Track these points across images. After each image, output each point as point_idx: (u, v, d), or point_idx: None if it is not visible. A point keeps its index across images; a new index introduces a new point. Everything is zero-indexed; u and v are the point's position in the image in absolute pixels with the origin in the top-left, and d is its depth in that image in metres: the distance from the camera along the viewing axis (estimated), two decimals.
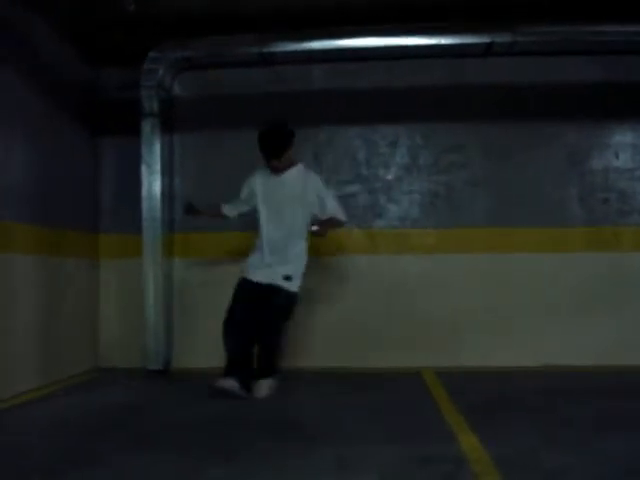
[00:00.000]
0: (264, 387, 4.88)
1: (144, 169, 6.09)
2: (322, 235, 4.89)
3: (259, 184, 5.01)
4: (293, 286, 4.89)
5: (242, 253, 6.19)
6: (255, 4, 5.67)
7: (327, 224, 4.91)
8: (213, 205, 5.41)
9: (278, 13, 5.81)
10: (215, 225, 6.31)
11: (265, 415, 4.37)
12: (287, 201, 4.88)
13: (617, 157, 6.20)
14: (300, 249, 4.95)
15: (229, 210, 5.30)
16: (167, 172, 6.24)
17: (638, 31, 5.70)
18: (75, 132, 6.13)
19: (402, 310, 6.18)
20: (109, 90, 6.54)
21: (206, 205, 5.45)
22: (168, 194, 6.25)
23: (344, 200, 6.23)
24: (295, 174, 4.93)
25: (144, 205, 6.09)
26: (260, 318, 4.86)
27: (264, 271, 4.89)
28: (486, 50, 5.91)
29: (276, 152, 4.80)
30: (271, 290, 4.85)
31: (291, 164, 4.96)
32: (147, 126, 6.10)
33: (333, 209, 4.96)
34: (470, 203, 6.25)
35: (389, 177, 6.32)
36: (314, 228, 4.85)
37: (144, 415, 4.44)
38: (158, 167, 6.10)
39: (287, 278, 4.84)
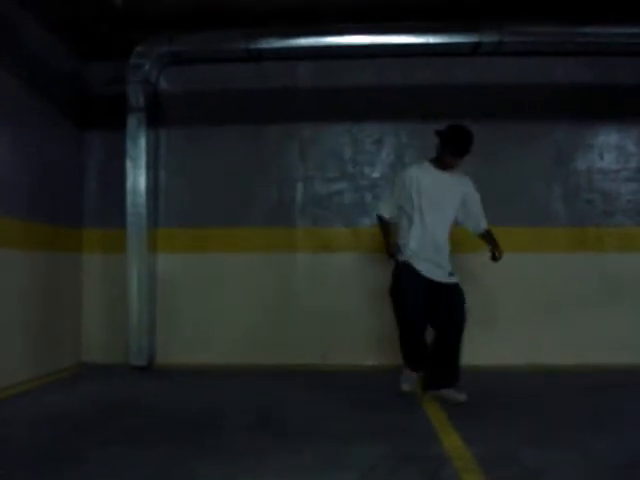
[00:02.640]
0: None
1: (129, 163, 6.06)
2: (498, 259, 4.90)
3: (418, 179, 4.84)
4: (456, 280, 4.84)
5: (226, 248, 6.20)
6: (242, 0, 5.66)
7: (496, 246, 4.89)
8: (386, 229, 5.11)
9: (265, 10, 5.80)
10: (199, 220, 6.32)
11: (249, 412, 4.36)
12: (448, 200, 4.84)
13: (602, 158, 6.23)
14: (448, 246, 4.88)
15: (388, 212, 5.03)
16: (152, 167, 6.21)
17: (624, 33, 5.74)
18: (60, 126, 6.08)
19: (386, 308, 6.17)
20: (95, 84, 6.50)
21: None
22: (153, 189, 6.22)
23: (330, 198, 6.28)
24: (458, 175, 4.93)
25: (128, 200, 6.05)
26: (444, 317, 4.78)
27: (434, 269, 4.78)
28: (474, 50, 5.92)
29: (467, 151, 4.80)
30: (446, 287, 4.78)
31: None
32: (133, 120, 6.07)
33: (478, 212, 4.94)
34: None
35: (375, 175, 6.32)
36: (497, 255, 4.85)
37: (128, 411, 4.42)
38: (143, 161, 6.07)
39: (451, 275, 4.80)
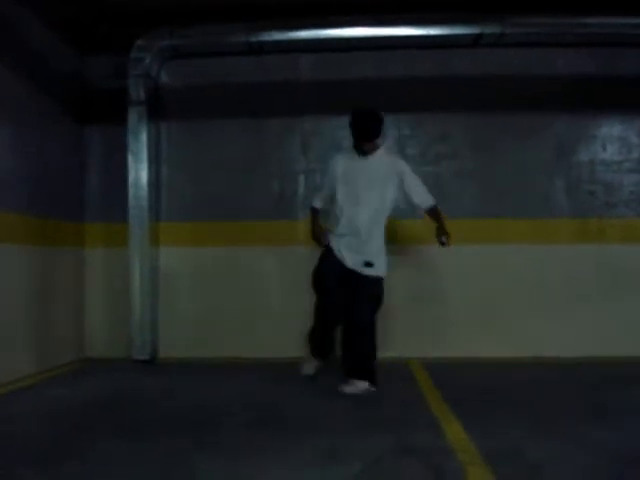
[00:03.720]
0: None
1: (130, 158, 6.06)
2: (447, 244, 4.83)
3: (341, 167, 4.90)
4: (377, 271, 4.79)
5: (229, 242, 6.20)
6: None
7: (441, 228, 4.84)
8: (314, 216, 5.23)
9: (266, 2, 5.79)
10: (200, 214, 6.32)
11: (252, 405, 4.36)
12: (373, 184, 4.78)
13: (604, 149, 6.22)
14: (381, 234, 4.85)
15: (318, 203, 5.15)
16: (154, 161, 6.21)
17: (626, 23, 5.73)
18: (61, 120, 6.08)
19: (389, 301, 6.17)
20: (96, 78, 6.48)
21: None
22: (155, 183, 6.22)
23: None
24: (379, 157, 4.86)
25: (130, 194, 6.06)
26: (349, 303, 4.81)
27: (350, 255, 4.79)
28: (475, 41, 5.91)
29: (373, 134, 4.75)
30: (356, 277, 4.77)
31: (376, 148, 4.87)
32: (134, 115, 6.07)
33: (416, 187, 4.88)
34: (457, 194, 6.25)
35: None
36: (443, 239, 4.78)
37: (130, 405, 4.42)
38: (145, 156, 6.07)
39: (368, 264, 4.74)
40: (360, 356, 4.80)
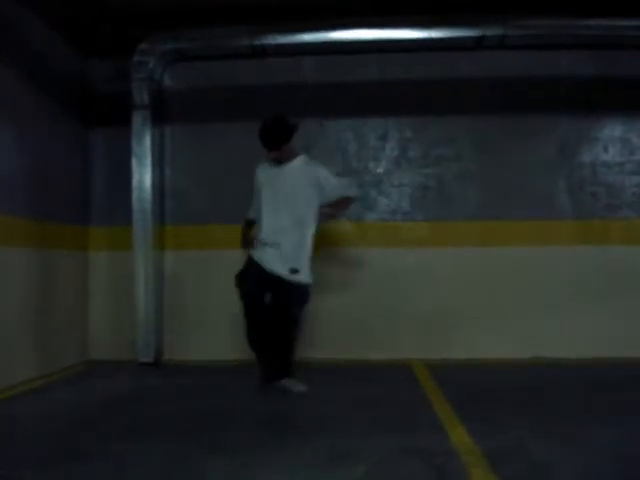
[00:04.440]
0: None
1: (134, 161, 6.08)
2: (333, 216, 4.91)
3: (262, 177, 4.97)
4: (303, 278, 4.80)
5: (232, 245, 6.21)
6: None
7: (336, 205, 4.91)
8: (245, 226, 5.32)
9: (268, 5, 5.80)
10: (204, 217, 6.34)
11: (255, 407, 4.38)
12: (290, 192, 4.81)
13: (606, 151, 6.23)
14: (305, 240, 4.84)
15: (251, 213, 5.19)
16: (158, 164, 6.23)
17: (628, 25, 5.73)
18: (65, 124, 6.10)
19: (392, 302, 6.20)
20: (99, 82, 6.51)
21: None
22: (159, 186, 6.24)
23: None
24: (296, 165, 4.89)
25: (134, 197, 6.08)
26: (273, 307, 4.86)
27: (271, 261, 4.82)
28: (477, 43, 5.92)
29: (274, 143, 4.77)
30: (281, 282, 4.79)
31: (293, 155, 4.91)
32: (137, 118, 6.09)
33: (335, 189, 4.89)
34: (460, 196, 6.27)
35: (379, 170, 6.33)
36: (328, 210, 4.85)
37: (134, 407, 4.44)
38: (149, 159, 6.09)
39: (293, 271, 4.75)
40: (279, 357, 4.86)
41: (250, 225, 5.20)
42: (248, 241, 5.12)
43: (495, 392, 4.74)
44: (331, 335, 6.20)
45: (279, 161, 4.87)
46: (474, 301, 6.17)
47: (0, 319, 4.90)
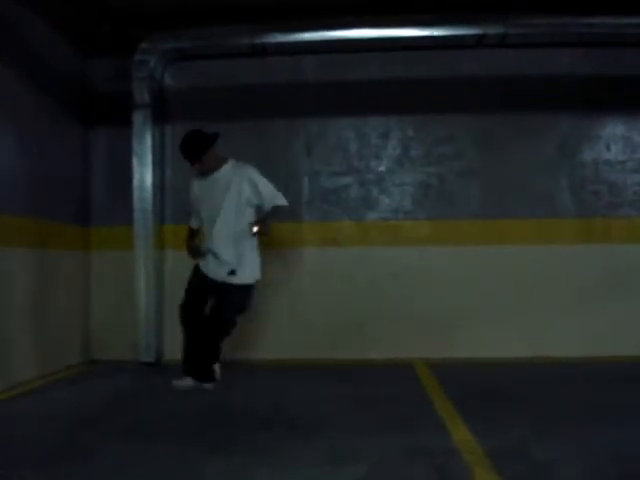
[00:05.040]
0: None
1: (135, 161, 6.08)
2: (264, 233, 4.89)
3: (196, 188, 5.09)
4: (242, 279, 4.90)
5: None
6: None
7: (265, 221, 4.91)
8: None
9: (269, 4, 5.80)
10: None
11: (256, 407, 4.37)
12: (223, 198, 4.87)
13: (608, 149, 6.21)
14: (241, 242, 4.91)
15: (193, 223, 5.28)
16: (158, 163, 6.23)
17: (629, 23, 5.72)
18: (66, 123, 6.10)
19: (393, 301, 6.19)
20: (100, 81, 6.50)
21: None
22: (159, 186, 6.24)
23: (336, 192, 6.28)
24: (225, 171, 4.95)
25: (135, 197, 6.08)
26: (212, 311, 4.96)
27: (214, 269, 4.93)
28: (478, 42, 5.91)
29: (194, 155, 4.87)
30: (222, 286, 4.89)
31: (219, 163, 4.96)
32: (138, 117, 6.08)
33: (270, 194, 4.94)
34: (462, 195, 6.26)
35: (381, 169, 6.32)
36: (255, 229, 4.84)
37: (135, 407, 4.44)
38: (149, 158, 6.09)
39: (232, 272, 4.85)
40: (204, 356, 4.97)
41: (193, 233, 5.28)
42: (194, 249, 5.15)
43: (496, 391, 4.73)
44: (332, 334, 6.19)
45: (204, 172, 4.97)
46: (475, 300, 6.16)
47: (1, 319, 4.89)
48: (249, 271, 4.94)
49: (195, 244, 5.19)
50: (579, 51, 6.16)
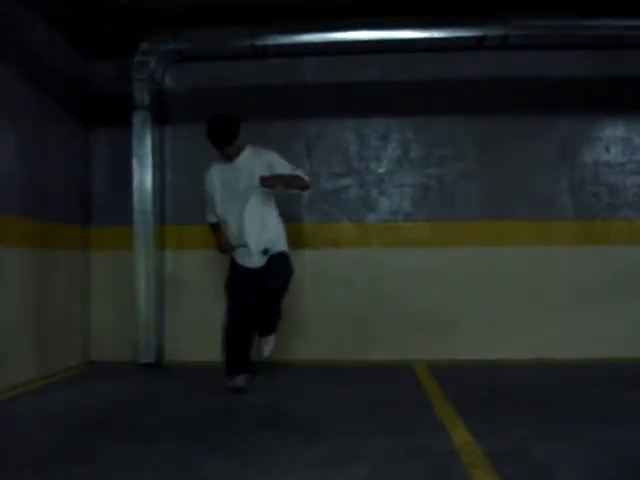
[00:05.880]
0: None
1: (135, 162, 6.09)
2: (269, 185, 4.83)
3: (215, 178, 5.02)
4: (278, 248, 4.94)
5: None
6: None
7: (279, 177, 4.89)
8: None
9: (270, 6, 5.80)
10: (205, 218, 6.32)
11: (256, 408, 4.38)
12: (246, 184, 4.86)
13: (608, 151, 6.22)
14: (271, 220, 4.96)
15: (212, 217, 5.22)
16: (158, 165, 6.24)
17: (630, 25, 5.74)
18: (66, 124, 6.10)
19: (394, 303, 6.19)
20: (100, 82, 6.50)
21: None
22: (159, 187, 6.25)
23: (336, 193, 6.28)
24: (247, 155, 4.94)
25: (135, 198, 6.08)
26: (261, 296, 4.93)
27: (250, 257, 4.91)
28: (478, 43, 5.92)
29: (227, 139, 4.84)
30: (261, 270, 4.89)
31: (241, 149, 4.95)
32: (138, 118, 6.09)
33: (286, 169, 4.95)
34: (462, 196, 6.26)
35: (381, 170, 6.32)
36: (264, 183, 4.81)
37: (136, 409, 4.44)
38: (149, 160, 6.10)
39: (265, 252, 4.88)
40: (272, 318, 5.06)
41: (216, 228, 5.23)
42: (227, 244, 5.10)
43: (496, 392, 4.73)
44: (332, 335, 6.19)
45: (230, 156, 4.93)
46: (475, 301, 6.16)
47: (1, 319, 4.89)
48: (281, 244, 4.97)
49: (226, 238, 5.10)
50: (579, 53, 6.17)
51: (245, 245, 4.89)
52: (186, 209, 6.38)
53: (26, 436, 3.74)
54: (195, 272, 6.36)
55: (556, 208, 6.21)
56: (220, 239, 5.15)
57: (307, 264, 6.23)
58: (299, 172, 5.01)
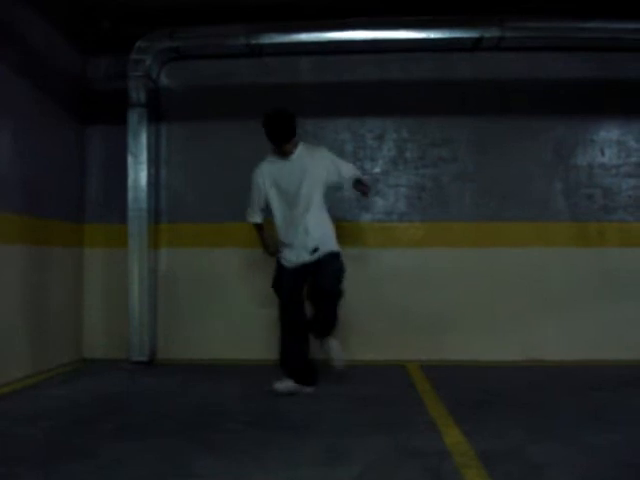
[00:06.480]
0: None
1: (130, 159, 6.08)
2: (367, 191, 5.05)
3: (267, 176, 4.94)
4: (330, 248, 4.87)
5: (227, 244, 6.20)
6: None
7: (363, 184, 5.04)
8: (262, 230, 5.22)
9: (266, 4, 5.80)
10: (200, 216, 6.32)
11: (249, 406, 4.37)
12: (300, 181, 4.84)
13: (603, 153, 6.23)
14: (322, 219, 4.92)
15: (258, 217, 5.10)
16: (153, 162, 6.22)
17: (625, 28, 5.75)
18: (62, 121, 6.08)
19: (388, 303, 6.19)
20: (96, 80, 6.48)
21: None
22: (154, 184, 6.23)
23: (329, 193, 6.27)
24: (301, 152, 4.92)
25: (130, 195, 6.07)
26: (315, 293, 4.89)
27: (299, 254, 4.86)
28: (475, 45, 5.93)
29: (287, 136, 4.81)
30: (316, 263, 4.84)
31: (296, 145, 4.94)
32: (134, 116, 6.08)
33: (350, 169, 5.05)
34: (457, 197, 6.26)
35: (376, 170, 6.32)
36: (359, 188, 5.01)
37: (128, 406, 4.43)
38: (144, 157, 6.08)
39: (315, 250, 4.80)
40: (329, 320, 4.92)
41: (261, 228, 5.17)
42: (273, 244, 5.09)
43: (490, 393, 4.73)
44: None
45: (286, 154, 4.90)
46: (470, 302, 6.16)
47: None
48: (332, 242, 4.91)
49: (270, 239, 5.10)
50: (575, 55, 6.18)
51: (294, 243, 4.84)
52: (181, 207, 6.38)
53: (18, 433, 3.73)
54: (189, 270, 6.35)
55: (551, 210, 6.22)
56: (266, 240, 5.15)
57: None
58: (359, 172, 5.15)
